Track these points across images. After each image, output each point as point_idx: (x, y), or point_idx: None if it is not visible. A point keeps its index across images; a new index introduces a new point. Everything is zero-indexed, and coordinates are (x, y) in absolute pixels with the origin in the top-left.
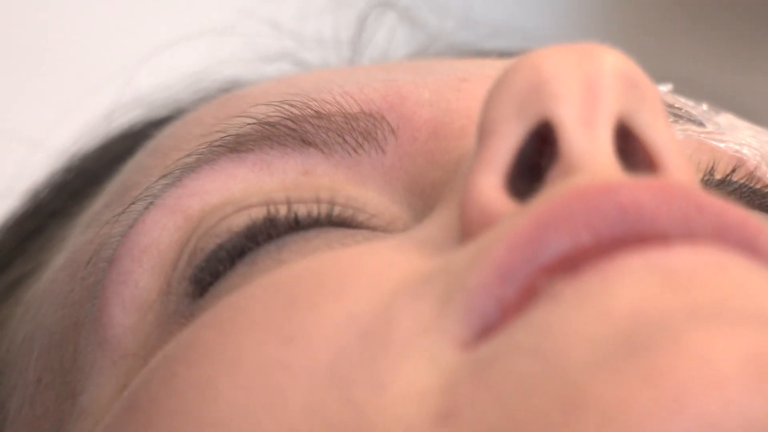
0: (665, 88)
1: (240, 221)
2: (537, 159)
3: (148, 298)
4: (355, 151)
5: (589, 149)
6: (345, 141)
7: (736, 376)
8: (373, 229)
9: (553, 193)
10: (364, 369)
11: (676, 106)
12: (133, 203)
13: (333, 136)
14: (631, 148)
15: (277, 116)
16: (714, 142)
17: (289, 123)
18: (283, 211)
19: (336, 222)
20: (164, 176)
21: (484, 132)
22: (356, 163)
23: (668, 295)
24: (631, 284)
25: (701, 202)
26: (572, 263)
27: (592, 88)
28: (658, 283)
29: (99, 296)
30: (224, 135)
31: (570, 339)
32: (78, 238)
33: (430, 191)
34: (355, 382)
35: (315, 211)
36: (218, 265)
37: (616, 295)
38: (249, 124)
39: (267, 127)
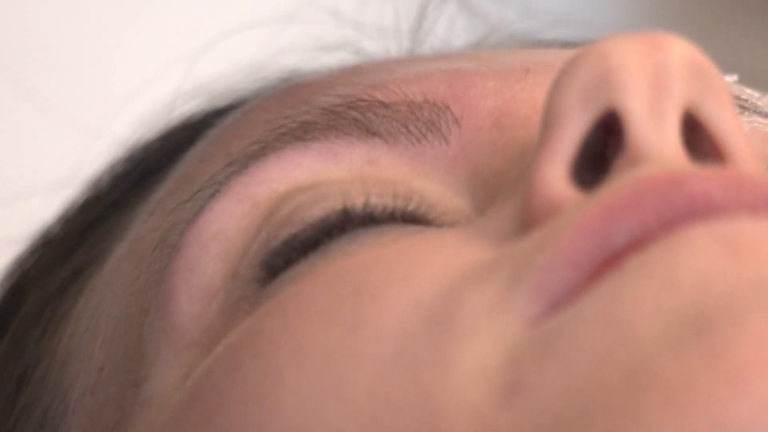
0: (731, 78)
1: (315, 212)
2: (602, 149)
3: (214, 285)
4: (419, 141)
5: (656, 140)
6: (409, 131)
7: None
8: (440, 226)
9: (621, 182)
10: (429, 351)
11: (742, 97)
12: (199, 191)
13: (397, 125)
14: (698, 138)
15: (342, 105)
16: None
17: (354, 113)
18: (359, 205)
19: (409, 218)
20: (230, 164)
21: (549, 121)
22: (419, 154)
23: (733, 266)
24: (696, 253)
25: None
26: (639, 248)
27: (660, 78)
28: (723, 253)
29: (166, 283)
30: (290, 123)
31: (637, 307)
32: (141, 226)
33: (494, 181)
34: (420, 364)
35: (390, 206)
36: (292, 252)
37: (682, 264)
38: (314, 112)
39: (332, 115)
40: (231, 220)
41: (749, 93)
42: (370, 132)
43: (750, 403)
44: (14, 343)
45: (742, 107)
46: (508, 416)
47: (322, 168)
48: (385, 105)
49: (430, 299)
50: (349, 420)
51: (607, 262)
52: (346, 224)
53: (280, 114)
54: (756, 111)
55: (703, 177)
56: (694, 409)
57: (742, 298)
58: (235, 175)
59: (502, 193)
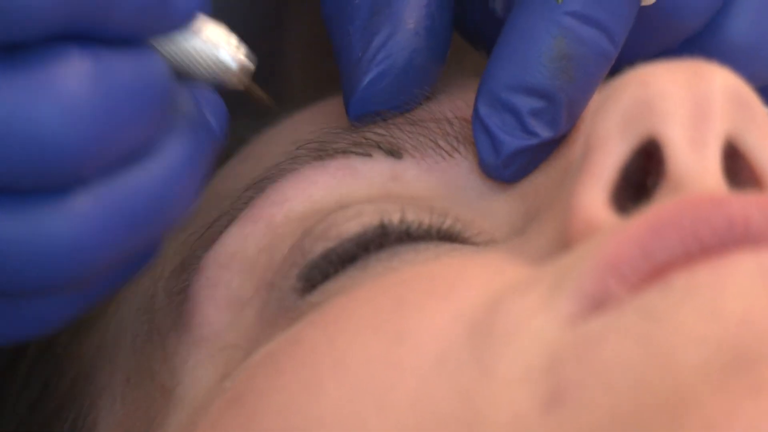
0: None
1: (351, 227)
2: (643, 177)
3: (243, 296)
4: (450, 155)
5: (697, 169)
6: (438, 146)
7: None
8: (478, 245)
9: (662, 202)
10: (471, 357)
11: None
12: (219, 218)
13: (424, 140)
14: (736, 167)
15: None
16: None
17: (378, 129)
18: (396, 220)
19: (444, 236)
20: (247, 189)
21: (591, 146)
22: (451, 167)
23: None
24: (741, 285)
25: None
26: (683, 266)
27: (702, 107)
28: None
29: (189, 301)
30: (308, 144)
31: (681, 334)
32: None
33: (533, 196)
34: (462, 371)
35: (426, 222)
36: (329, 266)
37: (728, 295)
38: (334, 131)
39: (353, 134)
40: (249, 240)
41: None
42: (393, 147)
43: None
44: (39, 352)
45: None
46: (549, 424)
47: (338, 184)
48: (411, 122)
49: (472, 310)
50: (391, 430)
51: (650, 275)
52: (384, 240)
53: (308, 134)
54: None
55: (743, 201)
56: None
57: None
58: (252, 198)
59: (543, 213)
